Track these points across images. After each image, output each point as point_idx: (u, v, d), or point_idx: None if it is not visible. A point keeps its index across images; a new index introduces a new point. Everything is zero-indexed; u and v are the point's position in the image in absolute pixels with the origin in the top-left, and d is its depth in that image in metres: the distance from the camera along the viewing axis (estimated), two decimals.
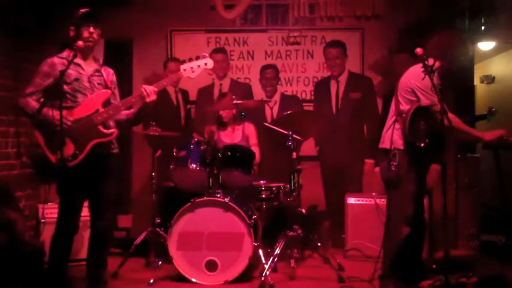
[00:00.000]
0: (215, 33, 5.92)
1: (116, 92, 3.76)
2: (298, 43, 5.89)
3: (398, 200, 3.63)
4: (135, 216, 5.64)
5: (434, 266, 4.05)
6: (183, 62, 3.82)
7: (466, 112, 4.65)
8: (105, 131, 3.55)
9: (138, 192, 5.78)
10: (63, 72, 3.31)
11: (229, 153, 4.36)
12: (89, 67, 3.58)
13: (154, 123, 4.64)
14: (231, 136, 4.99)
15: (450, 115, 3.30)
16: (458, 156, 4.86)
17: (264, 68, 5.64)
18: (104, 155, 3.59)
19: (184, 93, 5.63)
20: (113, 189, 3.71)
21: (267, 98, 5.59)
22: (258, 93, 5.72)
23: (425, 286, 3.73)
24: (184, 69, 3.67)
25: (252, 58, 5.94)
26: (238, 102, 4.51)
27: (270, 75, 5.58)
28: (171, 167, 4.45)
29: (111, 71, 3.75)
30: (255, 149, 4.92)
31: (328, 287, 4.09)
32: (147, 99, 3.54)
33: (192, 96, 5.72)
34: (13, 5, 4.77)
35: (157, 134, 4.64)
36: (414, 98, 3.54)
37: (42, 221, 4.69)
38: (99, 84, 3.62)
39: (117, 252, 5.00)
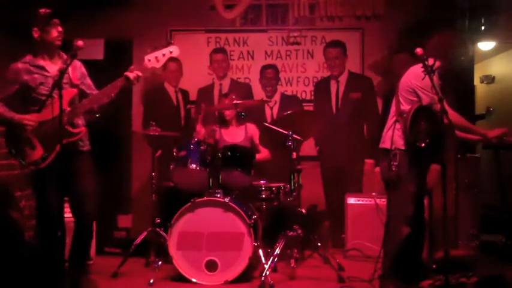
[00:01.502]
0: (215, 33, 5.92)
1: (88, 81, 3.76)
2: (298, 43, 5.89)
3: (398, 200, 3.63)
4: (135, 216, 5.64)
5: (434, 266, 4.05)
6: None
7: (466, 112, 4.64)
8: (73, 130, 3.57)
9: (138, 192, 5.78)
10: (63, 72, 3.27)
11: (229, 153, 4.36)
12: (54, 67, 3.54)
13: (154, 123, 4.64)
14: (233, 135, 4.99)
15: (452, 112, 3.30)
16: (458, 156, 4.86)
17: (264, 68, 5.63)
18: (73, 153, 3.59)
19: (184, 93, 5.63)
20: (90, 185, 3.69)
21: (267, 98, 5.58)
22: (258, 93, 5.72)
23: (425, 286, 3.73)
24: (149, 60, 3.61)
25: (252, 58, 5.94)
26: (238, 102, 4.52)
27: (270, 75, 5.58)
28: (171, 167, 4.45)
29: (78, 64, 3.73)
30: (263, 148, 4.94)
31: (328, 287, 4.08)
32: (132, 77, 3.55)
33: (192, 96, 5.72)
34: (12, 5, 4.77)
35: (157, 134, 4.64)
36: (415, 98, 3.54)
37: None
38: (65, 83, 3.56)
39: (117, 252, 5.02)
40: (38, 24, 3.54)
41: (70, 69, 3.60)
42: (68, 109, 3.52)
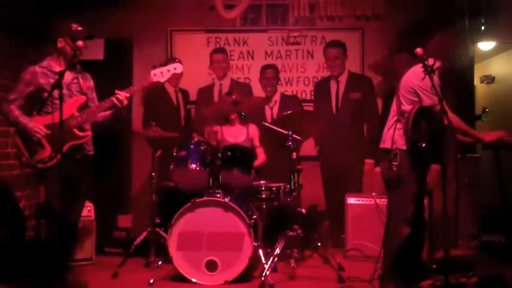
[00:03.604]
0: (215, 33, 5.92)
1: (94, 95, 3.92)
2: (298, 43, 5.89)
3: (398, 200, 3.62)
4: (135, 216, 5.63)
5: (434, 266, 4.05)
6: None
7: (466, 112, 4.65)
8: (80, 133, 3.72)
9: (138, 192, 5.78)
10: (62, 73, 3.37)
11: (229, 153, 4.36)
12: (68, 75, 3.67)
13: (154, 123, 4.64)
14: (235, 135, 5.00)
15: (451, 115, 3.30)
16: (458, 156, 4.86)
17: (264, 68, 5.63)
18: (78, 156, 3.75)
19: (184, 93, 5.62)
20: (87, 189, 3.90)
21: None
22: (258, 93, 5.71)
23: (425, 286, 3.73)
24: (155, 74, 3.85)
25: (252, 58, 5.94)
26: (239, 100, 4.52)
27: (270, 75, 5.58)
28: (171, 167, 4.45)
29: (88, 76, 3.91)
30: (260, 150, 4.94)
31: (328, 287, 4.09)
32: (119, 105, 3.70)
33: (192, 96, 5.72)
34: (12, 5, 4.77)
35: (157, 134, 4.64)
36: (416, 98, 3.54)
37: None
38: (77, 91, 3.79)
39: (117, 252, 5.02)
40: (66, 37, 3.66)
41: (81, 79, 3.81)
42: (77, 114, 3.70)
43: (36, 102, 3.72)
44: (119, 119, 3.92)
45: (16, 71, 4.81)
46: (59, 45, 3.69)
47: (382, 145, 3.72)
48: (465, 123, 3.59)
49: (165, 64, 3.96)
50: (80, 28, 3.68)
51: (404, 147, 3.56)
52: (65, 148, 3.56)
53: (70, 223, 3.76)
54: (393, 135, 3.60)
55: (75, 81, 3.79)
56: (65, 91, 3.58)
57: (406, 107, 3.57)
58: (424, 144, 3.42)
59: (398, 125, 3.60)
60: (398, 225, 3.59)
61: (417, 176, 3.58)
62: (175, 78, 5.48)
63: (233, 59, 5.91)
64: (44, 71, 3.70)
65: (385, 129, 3.73)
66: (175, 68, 3.89)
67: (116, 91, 3.72)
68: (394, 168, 3.54)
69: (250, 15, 5.92)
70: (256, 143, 5.06)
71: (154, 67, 3.90)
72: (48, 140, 3.64)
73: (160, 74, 3.85)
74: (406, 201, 3.56)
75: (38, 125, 3.64)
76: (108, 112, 3.82)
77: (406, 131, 3.51)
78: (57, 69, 3.67)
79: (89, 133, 3.78)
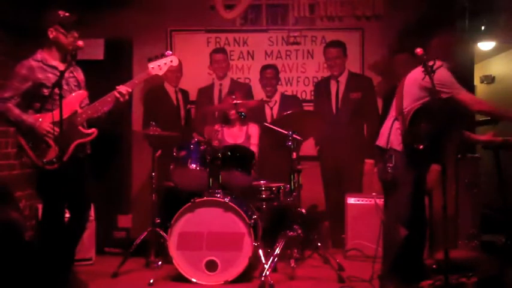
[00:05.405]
0: (215, 33, 5.92)
1: (85, 90, 3.82)
2: (298, 43, 5.88)
3: (395, 201, 3.62)
4: (135, 216, 5.63)
5: (434, 266, 4.05)
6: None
7: (466, 112, 4.63)
8: (86, 131, 3.63)
9: (138, 192, 5.78)
10: (63, 72, 3.32)
11: (229, 153, 4.37)
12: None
13: (154, 123, 4.64)
14: (234, 136, 4.99)
15: (469, 97, 3.31)
16: (458, 156, 4.86)
17: (264, 68, 5.63)
18: (82, 156, 3.68)
19: (184, 93, 5.62)
20: (90, 190, 3.83)
21: (267, 98, 5.59)
22: (258, 93, 5.71)
23: (425, 286, 3.73)
24: (152, 67, 3.82)
25: (252, 58, 5.94)
26: (239, 102, 4.52)
27: (270, 75, 5.57)
28: (171, 167, 4.45)
29: (79, 70, 3.83)
30: (254, 148, 4.93)
31: (328, 287, 4.09)
32: (121, 99, 3.63)
33: (192, 96, 5.72)
34: (12, 4, 4.77)
35: (157, 134, 4.64)
36: (423, 94, 3.49)
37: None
38: (75, 85, 3.70)
39: (117, 252, 5.02)
40: (55, 25, 3.57)
41: (75, 72, 3.71)
42: (80, 110, 3.61)
43: (32, 99, 3.55)
44: (120, 115, 3.86)
45: None
46: (51, 35, 3.57)
47: (377, 142, 3.71)
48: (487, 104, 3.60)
49: (160, 57, 3.89)
50: (67, 14, 3.57)
51: (399, 148, 3.54)
52: (72, 147, 3.50)
53: (77, 229, 3.76)
54: (389, 135, 3.58)
55: (71, 75, 3.67)
56: (64, 86, 3.48)
57: (409, 104, 3.53)
58: (421, 146, 3.40)
59: (396, 124, 3.58)
60: (395, 226, 3.58)
61: (414, 178, 3.55)
62: (176, 78, 5.49)
63: (233, 59, 5.90)
64: (40, 65, 3.55)
65: (383, 127, 3.71)
66: (171, 61, 3.86)
67: (117, 86, 3.65)
68: (389, 170, 3.52)
69: (250, 15, 5.92)
70: (253, 140, 5.03)
71: (150, 60, 3.84)
72: (54, 139, 3.50)
73: (158, 67, 3.81)
74: (403, 202, 3.55)
75: (47, 124, 3.49)
76: (103, 108, 3.70)
77: (403, 130, 3.49)
78: (53, 62, 3.57)
79: (95, 130, 3.65)
